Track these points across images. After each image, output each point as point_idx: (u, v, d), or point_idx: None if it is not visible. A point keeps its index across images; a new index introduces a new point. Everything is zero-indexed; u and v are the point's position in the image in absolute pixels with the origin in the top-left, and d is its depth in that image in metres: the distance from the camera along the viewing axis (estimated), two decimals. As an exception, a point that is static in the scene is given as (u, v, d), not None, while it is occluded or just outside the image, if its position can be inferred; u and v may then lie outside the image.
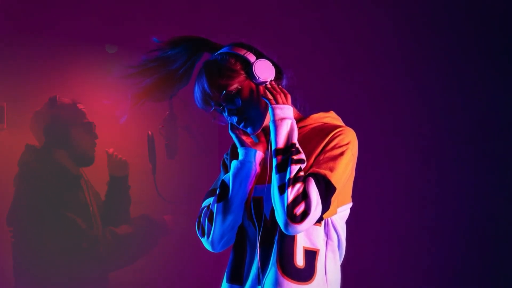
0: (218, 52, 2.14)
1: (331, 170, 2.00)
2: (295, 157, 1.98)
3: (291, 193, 1.94)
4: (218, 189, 2.12)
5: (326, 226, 2.07)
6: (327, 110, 2.20)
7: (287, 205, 1.93)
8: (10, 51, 3.95)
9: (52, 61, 4.08)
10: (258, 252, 2.06)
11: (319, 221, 2.03)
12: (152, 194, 4.17)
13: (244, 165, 2.10)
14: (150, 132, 4.12)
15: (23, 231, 3.83)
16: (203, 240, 2.14)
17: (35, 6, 3.85)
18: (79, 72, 4.15)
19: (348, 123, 2.17)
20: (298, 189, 1.94)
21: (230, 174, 2.11)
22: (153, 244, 4.18)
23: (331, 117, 2.18)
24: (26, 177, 3.89)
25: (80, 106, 4.02)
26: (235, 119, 2.11)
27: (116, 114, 3.89)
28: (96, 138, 4.06)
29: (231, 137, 2.17)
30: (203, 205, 2.17)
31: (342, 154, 2.03)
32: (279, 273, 2.01)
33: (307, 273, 2.02)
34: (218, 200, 2.10)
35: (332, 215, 2.07)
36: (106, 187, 4.14)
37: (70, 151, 3.98)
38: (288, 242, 2.02)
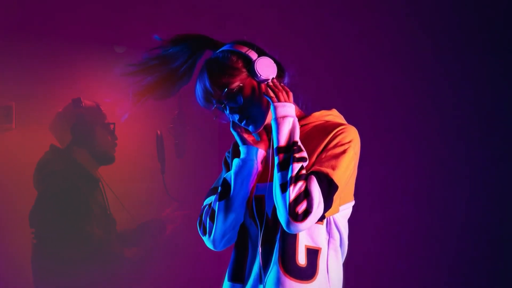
0: (220, 50, 2.14)
1: (333, 168, 1.99)
2: (297, 155, 1.97)
3: (293, 191, 1.93)
4: (219, 187, 2.12)
5: (328, 224, 2.06)
6: (329, 108, 2.19)
7: (289, 204, 1.92)
8: (18, 51, 3.96)
9: (59, 61, 4.08)
10: (260, 251, 2.06)
11: (321, 219, 2.02)
12: (161, 194, 4.17)
13: (245, 163, 2.09)
14: (159, 132, 4.12)
15: (45, 233, 3.84)
16: (205, 239, 2.14)
17: (41, 7, 3.86)
18: (87, 72, 4.15)
19: (350, 121, 2.16)
20: (300, 188, 1.93)
21: (232, 172, 2.10)
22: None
23: (333, 115, 2.17)
24: (47, 176, 3.90)
25: (102, 107, 4.05)
26: (236, 117, 2.11)
27: (117, 112, 3.90)
28: (116, 139, 4.08)
29: (233, 135, 2.16)
30: (204, 204, 2.17)
31: (344, 152, 2.02)
32: (281, 271, 2.00)
33: (309, 271, 2.01)
34: (219, 199, 2.09)
35: (334, 213, 2.06)
36: (122, 189, 4.15)
37: (93, 150, 4.00)
38: (290, 241, 2.01)
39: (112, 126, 4.07)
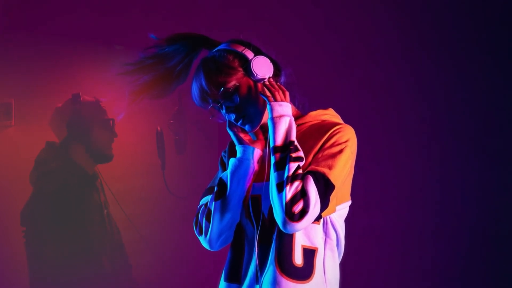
0: (216, 49, 2.14)
1: (330, 168, 1.99)
2: (293, 155, 1.97)
3: (290, 191, 1.92)
4: (216, 187, 2.11)
5: (325, 224, 2.06)
6: (325, 107, 2.19)
7: (286, 203, 1.92)
8: (17, 49, 3.96)
9: (59, 59, 4.08)
10: (256, 251, 2.05)
11: (317, 219, 2.02)
12: (160, 191, 4.16)
13: (242, 163, 2.09)
14: (159, 128, 4.11)
15: (36, 232, 3.82)
16: (201, 239, 2.13)
17: (39, 5, 3.86)
18: (86, 70, 4.15)
19: (347, 120, 2.16)
20: (297, 187, 1.93)
21: (228, 172, 2.10)
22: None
23: (330, 115, 2.16)
24: (43, 175, 3.88)
25: (102, 103, 4.02)
26: (233, 117, 2.10)
27: (114, 111, 3.89)
28: (115, 136, 4.05)
29: (229, 135, 2.16)
30: (200, 203, 2.16)
31: (341, 151, 2.02)
32: (277, 271, 2.00)
33: (306, 271, 2.01)
34: (216, 198, 2.09)
35: (331, 213, 2.06)
36: (121, 186, 4.14)
37: (89, 147, 3.97)
38: (286, 241, 2.01)
39: (111, 122, 4.04)
